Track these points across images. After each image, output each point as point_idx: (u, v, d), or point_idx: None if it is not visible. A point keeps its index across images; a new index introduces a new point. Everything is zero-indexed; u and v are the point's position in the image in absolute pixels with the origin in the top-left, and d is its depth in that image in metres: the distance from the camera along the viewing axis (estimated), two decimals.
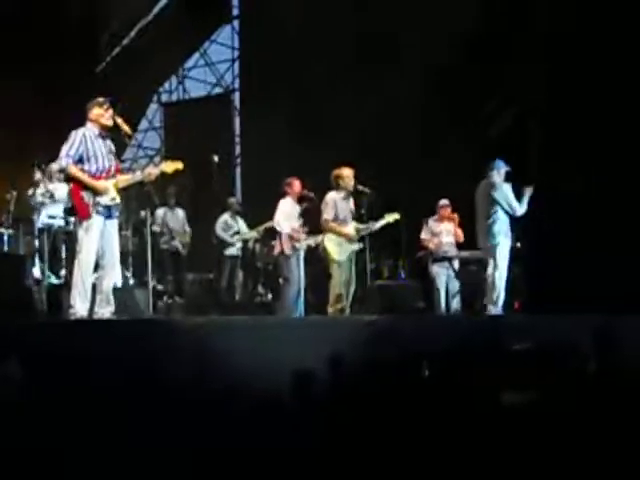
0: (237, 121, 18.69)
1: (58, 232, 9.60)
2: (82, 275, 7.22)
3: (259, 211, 12.63)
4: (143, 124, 19.36)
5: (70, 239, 9.01)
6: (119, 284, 8.34)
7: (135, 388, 4.01)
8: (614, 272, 10.44)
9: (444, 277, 11.19)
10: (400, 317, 9.07)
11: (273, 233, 10.58)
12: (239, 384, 4.46)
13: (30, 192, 9.66)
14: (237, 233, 13.05)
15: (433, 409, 3.60)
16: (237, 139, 18.66)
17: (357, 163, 10.28)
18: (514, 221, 9.70)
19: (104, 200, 7.30)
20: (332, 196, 9.87)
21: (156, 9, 18.52)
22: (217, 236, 13.03)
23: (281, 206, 10.15)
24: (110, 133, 7.56)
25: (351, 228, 9.89)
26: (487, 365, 3.43)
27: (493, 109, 13.43)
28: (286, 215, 10.10)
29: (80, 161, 7.30)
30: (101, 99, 7.51)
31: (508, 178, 9.77)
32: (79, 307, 7.18)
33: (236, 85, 18.86)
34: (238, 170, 18.43)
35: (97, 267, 7.34)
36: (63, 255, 9.52)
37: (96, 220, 7.26)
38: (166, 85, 19.40)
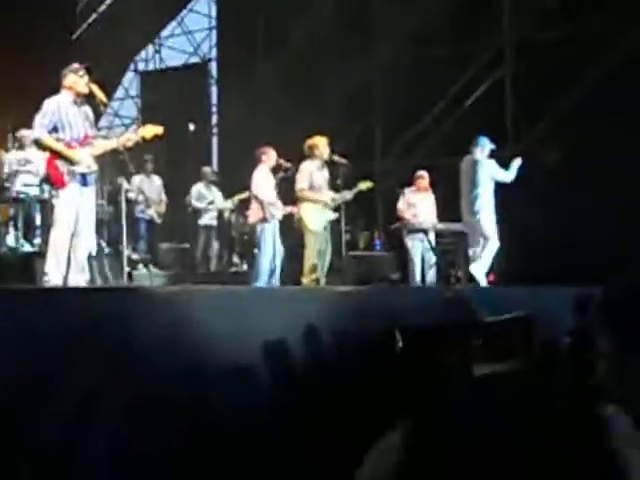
0: (214, 90, 18.63)
1: (33, 200, 9.56)
2: (57, 243, 7.19)
3: (235, 181, 12.59)
4: (120, 92, 19.26)
5: (45, 207, 8.97)
6: (94, 252, 8.32)
7: (108, 357, 4.02)
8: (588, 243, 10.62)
9: (420, 248, 11.12)
10: (375, 288, 9.10)
11: (248, 203, 10.54)
12: (212, 354, 4.48)
13: (4, 158, 9.61)
14: (211, 203, 13.00)
15: (407, 382, 3.63)
16: (214, 109, 18.59)
17: (337, 134, 10.26)
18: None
19: (80, 168, 7.27)
20: (307, 165, 9.84)
21: None
22: (191, 206, 12.99)
23: (258, 174, 10.08)
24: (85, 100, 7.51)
25: (326, 196, 9.87)
26: (464, 338, 3.45)
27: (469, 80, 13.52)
28: (264, 183, 10.05)
29: (55, 130, 7.25)
30: (76, 66, 7.44)
31: (492, 155, 9.83)
32: (53, 275, 7.15)
33: (213, 54, 18.77)
34: (214, 140, 18.38)
35: (72, 235, 7.33)
36: (38, 223, 9.49)
37: (72, 189, 7.24)
38: (143, 54, 19.26)
